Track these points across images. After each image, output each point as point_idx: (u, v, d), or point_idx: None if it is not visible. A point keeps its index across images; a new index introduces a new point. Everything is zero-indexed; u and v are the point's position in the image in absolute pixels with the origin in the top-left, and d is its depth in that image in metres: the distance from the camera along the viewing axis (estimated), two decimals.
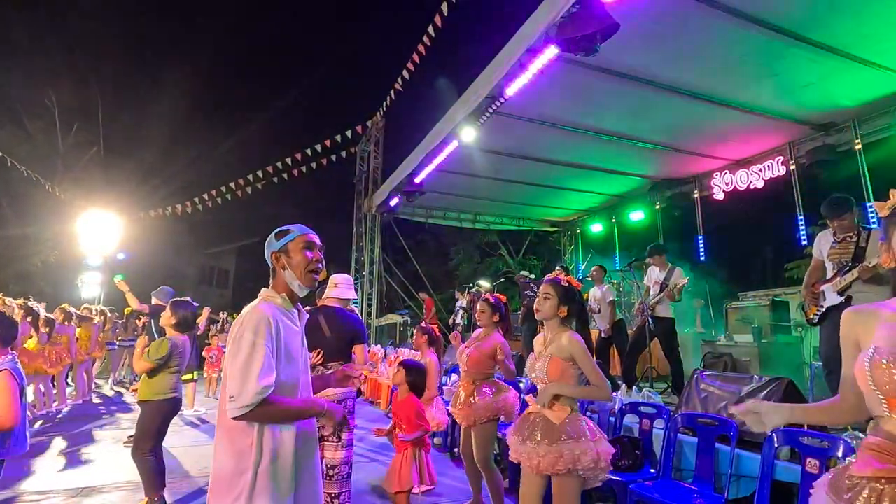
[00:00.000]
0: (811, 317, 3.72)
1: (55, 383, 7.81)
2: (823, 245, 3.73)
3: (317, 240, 1.84)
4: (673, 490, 2.85)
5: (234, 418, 1.52)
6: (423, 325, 4.70)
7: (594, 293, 6.43)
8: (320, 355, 3.28)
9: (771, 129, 6.86)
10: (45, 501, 3.78)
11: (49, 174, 15.77)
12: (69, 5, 24.45)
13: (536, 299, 2.55)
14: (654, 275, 5.53)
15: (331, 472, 3.30)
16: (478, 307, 3.72)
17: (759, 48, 5.01)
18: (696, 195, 8.92)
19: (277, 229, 1.83)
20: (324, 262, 1.85)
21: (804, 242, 7.40)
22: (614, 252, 10.89)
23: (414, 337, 4.71)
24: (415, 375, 3.34)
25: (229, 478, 1.55)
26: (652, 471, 3.12)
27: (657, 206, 9.56)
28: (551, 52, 5.10)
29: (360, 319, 3.84)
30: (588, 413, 3.92)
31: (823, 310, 3.61)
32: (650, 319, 5.17)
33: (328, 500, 3.25)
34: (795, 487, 2.52)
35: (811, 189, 7.23)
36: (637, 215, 10.08)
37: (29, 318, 7.04)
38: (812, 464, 2.38)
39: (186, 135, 23.88)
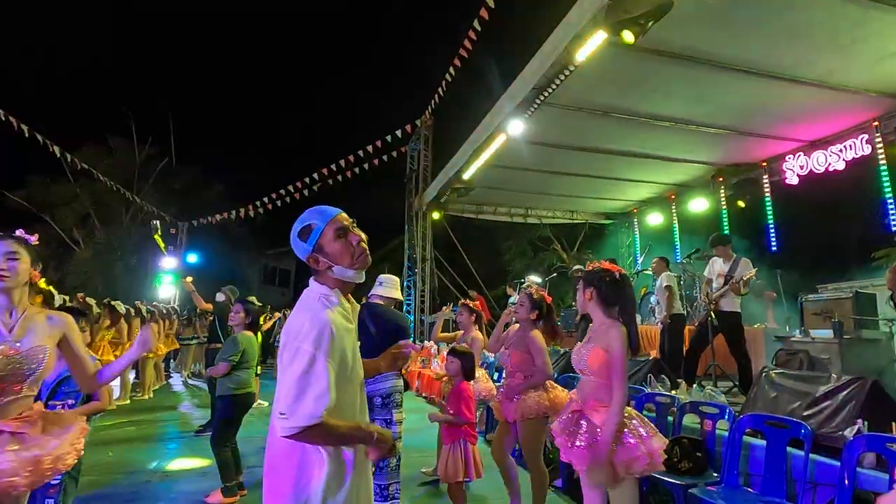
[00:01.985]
0: None
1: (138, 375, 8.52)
2: None
3: (345, 218, 1.59)
4: (739, 496, 2.64)
5: (282, 436, 1.40)
6: (465, 302, 4.71)
7: (657, 284, 6.14)
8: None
9: (851, 104, 6.24)
10: (125, 482, 4.10)
11: (128, 184, 17.17)
12: (140, 29, 26.45)
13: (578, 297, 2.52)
14: (718, 266, 5.19)
15: (380, 464, 3.35)
16: (517, 301, 3.63)
17: (834, 15, 4.56)
18: (765, 181, 8.29)
19: (297, 228, 1.57)
20: (364, 237, 1.60)
21: (895, 227, 6.69)
22: (674, 244, 10.35)
23: (458, 315, 4.71)
24: (467, 361, 3.34)
25: (289, 486, 1.45)
26: (715, 475, 2.91)
27: (721, 195, 8.98)
28: (600, 36, 4.91)
29: (403, 316, 3.91)
30: (645, 412, 3.74)
31: None
32: (712, 314, 4.85)
33: (378, 491, 3.30)
34: None
35: None
36: (699, 205, 9.52)
37: (113, 317, 7.72)
38: None
39: (246, 144, 25.24)
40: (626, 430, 2.17)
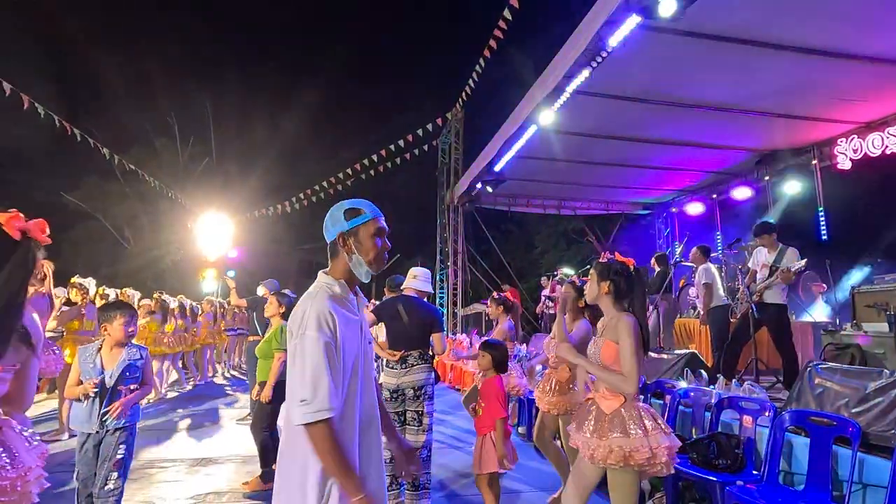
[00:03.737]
0: None
1: (186, 364, 9.00)
2: None
3: (386, 225, 1.68)
4: (780, 496, 2.53)
5: (305, 424, 1.41)
6: (496, 295, 4.71)
7: (697, 277, 5.94)
8: (398, 356, 3.46)
9: None
10: (171, 468, 4.33)
11: (172, 183, 17.93)
12: (179, 37, 27.42)
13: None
14: (762, 256, 4.95)
15: None
16: (562, 290, 3.56)
17: None
18: (815, 166, 7.85)
19: (346, 205, 1.65)
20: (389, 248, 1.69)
21: None
22: (715, 234, 9.97)
23: (490, 308, 4.72)
24: (500, 354, 3.33)
25: (298, 470, 1.47)
26: (755, 473, 2.80)
27: (767, 181, 8.57)
28: (633, 21, 4.76)
29: (437, 308, 3.95)
30: (681, 407, 3.63)
31: None
32: (754, 306, 4.64)
33: (410, 481, 3.35)
34: None
35: None
36: (742, 192, 9.13)
37: (163, 310, 8.14)
38: None
39: (284, 142, 25.87)
40: (630, 420, 2.11)
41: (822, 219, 7.82)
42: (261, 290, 6.63)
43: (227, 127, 24.71)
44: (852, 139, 7.09)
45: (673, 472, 2.19)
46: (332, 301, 1.53)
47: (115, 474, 2.66)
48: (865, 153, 6.92)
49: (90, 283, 6.08)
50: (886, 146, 6.67)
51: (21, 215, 1.51)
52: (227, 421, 6.30)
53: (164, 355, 7.89)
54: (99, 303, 6.15)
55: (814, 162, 7.87)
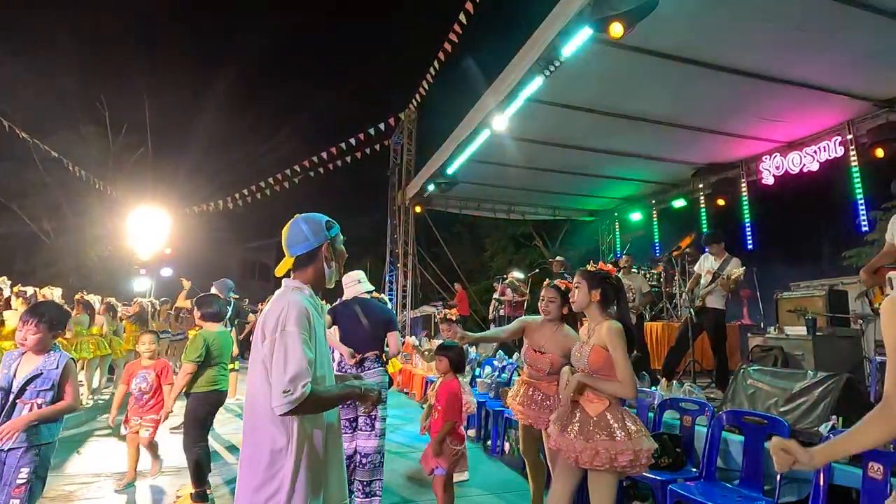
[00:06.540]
0: (876, 306, 3.43)
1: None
2: None
3: None
4: (717, 491, 2.68)
5: (284, 413, 1.50)
6: (443, 316, 4.69)
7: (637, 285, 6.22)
8: (355, 358, 3.42)
9: (827, 106, 6.38)
10: (95, 484, 3.98)
11: (101, 174, 16.62)
12: (117, 15, 25.58)
13: (570, 293, 2.51)
14: (708, 263, 5.26)
15: (363, 461, 3.32)
16: (544, 295, 3.14)
17: (816, 17, 4.63)
18: (743, 180, 8.46)
19: (322, 219, 1.78)
20: None
21: (865, 228, 6.90)
22: (653, 241, 10.50)
23: (442, 331, 4.70)
24: (456, 356, 3.30)
25: (263, 474, 1.55)
26: (694, 470, 2.96)
27: (701, 193, 9.13)
28: (585, 33, 4.91)
29: (390, 308, 3.96)
30: (626, 408, 3.77)
31: None
32: (691, 311, 4.92)
33: (360, 487, 3.27)
34: (855, 493, 2.32)
35: (873, 171, 6.69)
36: (678, 202, 9.67)
37: (88, 311, 7.51)
38: (875, 468, 2.18)
39: (226, 134, 24.73)
40: (615, 424, 2.18)
41: (748, 229, 8.43)
42: (213, 292, 6.28)
43: (166, 118, 23.32)
44: (775, 157, 7.69)
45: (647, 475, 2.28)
46: (307, 301, 1.66)
47: (16, 501, 2.35)
48: (786, 170, 7.53)
49: (3, 282, 5.52)
50: (804, 164, 7.29)
51: None
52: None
53: (88, 360, 7.28)
54: (15, 303, 5.59)
55: (742, 176, 8.47)
